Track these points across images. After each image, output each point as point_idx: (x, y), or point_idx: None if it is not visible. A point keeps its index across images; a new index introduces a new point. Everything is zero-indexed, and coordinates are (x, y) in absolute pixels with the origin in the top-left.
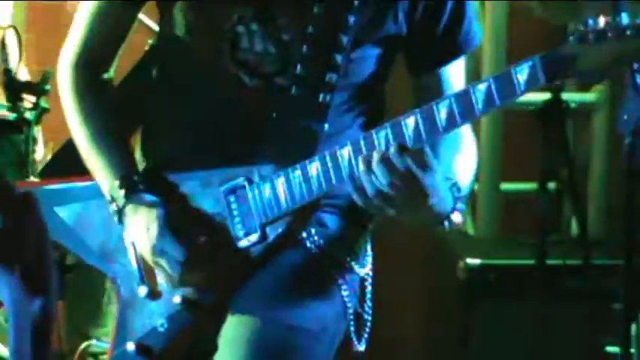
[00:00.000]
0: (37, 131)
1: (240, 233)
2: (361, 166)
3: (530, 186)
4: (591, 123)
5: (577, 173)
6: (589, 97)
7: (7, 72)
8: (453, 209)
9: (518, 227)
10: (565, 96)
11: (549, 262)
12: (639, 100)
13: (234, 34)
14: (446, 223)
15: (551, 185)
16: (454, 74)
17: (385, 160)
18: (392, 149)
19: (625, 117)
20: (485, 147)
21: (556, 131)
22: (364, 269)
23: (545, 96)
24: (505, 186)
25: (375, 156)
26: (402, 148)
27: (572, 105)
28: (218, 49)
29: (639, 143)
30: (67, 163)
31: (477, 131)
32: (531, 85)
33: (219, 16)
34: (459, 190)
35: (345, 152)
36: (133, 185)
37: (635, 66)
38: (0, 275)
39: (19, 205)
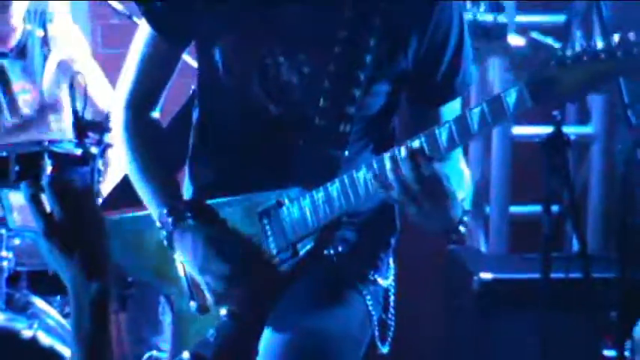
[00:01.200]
0: (101, 164)
1: (274, 251)
2: (388, 165)
3: (535, 208)
4: (589, 152)
5: (577, 197)
6: (587, 129)
7: (75, 113)
8: (462, 218)
9: (526, 245)
10: (566, 129)
11: (553, 275)
12: (631, 132)
13: (263, 65)
14: (457, 230)
15: (555, 207)
16: (451, 107)
17: (412, 157)
18: (417, 152)
19: (619, 147)
20: (496, 174)
21: (558, 160)
22: (387, 281)
23: (549, 129)
24: (513, 208)
25: (403, 152)
26: (425, 154)
27: (572, 137)
28: (249, 79)
29: (631, 170)
30: (125, 194)
31: (489, 160)
32: (520, 107)
33: (250, 50)
34: (464, 204)
35: (361, 174)
36: (179, 213)
37: (627, 101)
38: (62, 259)
39: (79, 197)
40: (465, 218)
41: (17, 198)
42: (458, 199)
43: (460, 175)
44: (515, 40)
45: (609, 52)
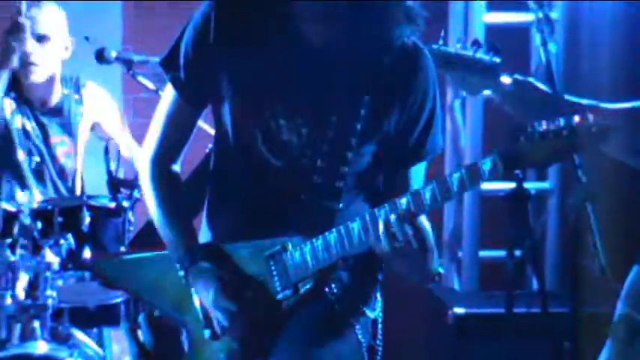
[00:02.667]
0: (132, 215)
1: (278, 289)
2: (381, 227)
3: (501, 252)
4: (547, 205)
5: (536, 242)
6: (545, 185)
7: (109, 172)
8: (437, 270)
9: (493, 284)
10: (527, 185)
11: (516, 310)
12: (581, 188)
13: (266, 126)
14: (433, 280)
15: (517, 252)
16: (418, 169)
17: (401, 218)
18: (403, 214)
19: (571, 200)
20: (468, 223)
21: (520, 211)
22: (375, 312)
23: (512, 185)
24: (482, 252)
25: (394, 216)
26: (411, 215)
27: (532, 191)
28: (254, 138)
29: (581, 220)
30: (149, 236)
31: (461, 211)
32: (493, 174)
33: (256, 113)
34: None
35: (355, 226)
36: (194, 256)
37: (577, 162)
38: None
39: (164, 333)
40: (440, 270)
41: (117, 334)
42: (436, 253)
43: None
44: (505, 79)
45: (571, 130)
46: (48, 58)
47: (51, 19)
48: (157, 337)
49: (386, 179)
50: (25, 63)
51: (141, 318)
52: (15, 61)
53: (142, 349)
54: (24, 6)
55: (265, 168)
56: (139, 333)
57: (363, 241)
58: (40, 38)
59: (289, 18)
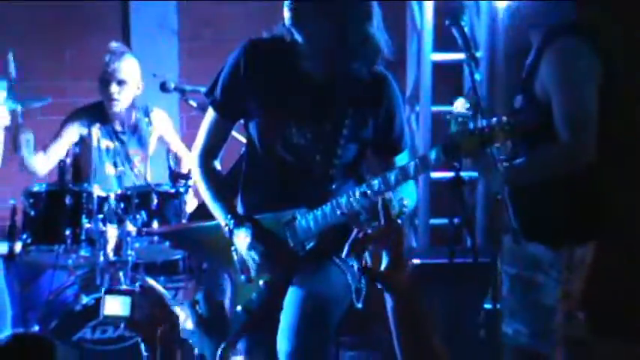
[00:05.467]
0: (187, 197)
1: (291, 246)
2: (363, 202)
3: (445, 220)
4: (476, 188)
5: (469, 214)
6: (475, 174)
7: (170, 168)
8: (400, 211)
9: (440, 242)
10: (462, 173)
11: (456, 261)
12: (497, 176)
13: (283, 134)
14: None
15: (456, 220)
16: (403, 156)
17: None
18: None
19: (492, 184)
20: (422, 200)
21: (458, 192)
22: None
23: (452, 173)
24: (432, 220)
25: (370, 195)
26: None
27: (466, 178)
28: (274, 142)
29: (498, 199)
30: (202, 212)
31: (417, 192)
32: (437, 161)
33: (275, 126)
34: (404, 202)
35: (343, 200)
36: (238, 219)
37: (498, 157)
38: (203, 338)
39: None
40: (404, 209)
41: (182, 307)
42: (396, 207)
43: (411, 188)
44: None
45: (490, 127)
46: (125, 96)
47: (128, 68)
48: (209, 309)
49: (381, 166)
50: (110, 99)
51: (199, 296)
52: (104, 98)
53: (200, 317)
54: (109, 59)
55: (282, 163)
56: (197, 307)
57: (349, 209)
58: (120, 82)
59: (295, 57)
